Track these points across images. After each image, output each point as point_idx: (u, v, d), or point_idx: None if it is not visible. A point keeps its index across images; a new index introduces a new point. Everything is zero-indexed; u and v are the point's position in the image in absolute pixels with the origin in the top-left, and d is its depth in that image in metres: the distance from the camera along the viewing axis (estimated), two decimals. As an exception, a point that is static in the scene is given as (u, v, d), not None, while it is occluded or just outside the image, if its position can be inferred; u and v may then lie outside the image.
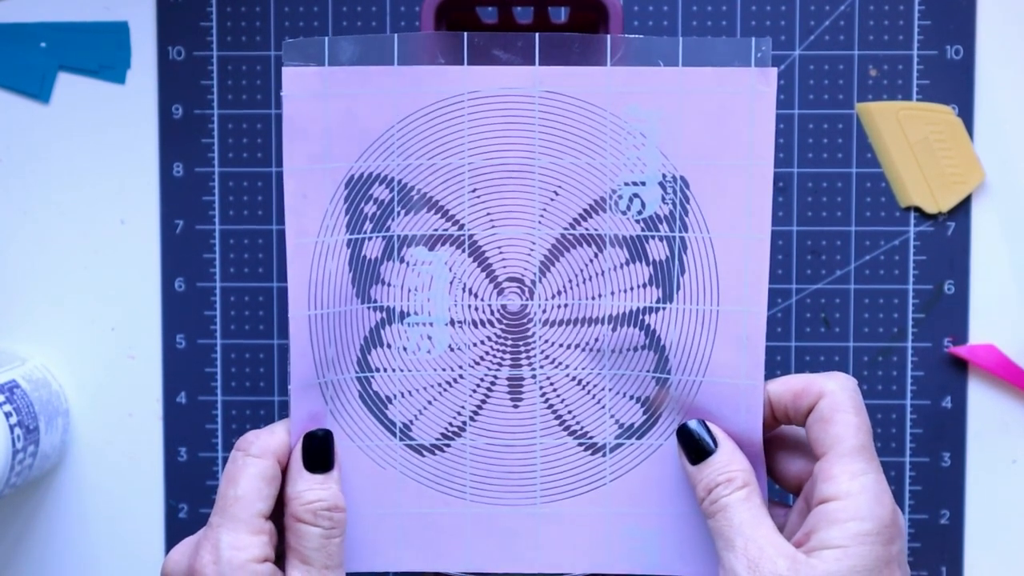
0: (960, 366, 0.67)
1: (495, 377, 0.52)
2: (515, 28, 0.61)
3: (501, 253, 0.52)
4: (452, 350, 0.52)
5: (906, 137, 0.66)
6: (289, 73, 0.50)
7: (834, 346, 0.67)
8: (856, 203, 0.67)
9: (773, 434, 0.53)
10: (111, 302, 0.68)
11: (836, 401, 0.49)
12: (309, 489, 0.50)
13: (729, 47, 0.50)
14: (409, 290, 0.52)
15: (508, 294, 0.52)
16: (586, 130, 0.51)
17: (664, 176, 0.51)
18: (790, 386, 0.50)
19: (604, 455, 0.53)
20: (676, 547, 0.52)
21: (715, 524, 0.49)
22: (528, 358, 0.52)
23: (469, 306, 0.52)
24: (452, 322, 0.52)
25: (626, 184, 0.51)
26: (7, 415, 0.61)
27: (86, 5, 0.67)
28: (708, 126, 0.50)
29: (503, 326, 0.52)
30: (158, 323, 0.68)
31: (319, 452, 0.51)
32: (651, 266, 0.52)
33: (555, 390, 0.53)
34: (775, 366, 0.67)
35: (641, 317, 0.52)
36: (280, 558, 0.50)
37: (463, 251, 0.52)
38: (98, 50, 0.67)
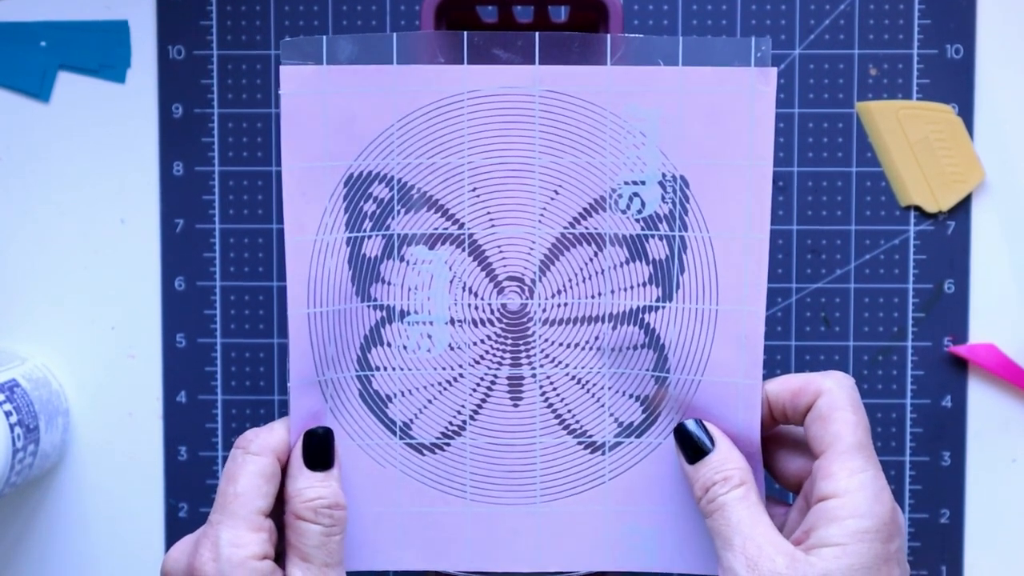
0: (960, 365, 0.67)
1: (495, 376, 0.53)
2: (515, 27, 0.61)
3: (501, 252, 0.52)
4: (452, 349, 0.52)
5: (906, 136, 0.66)
6: (287, 71, 0.50)
7: (834, 345, 0.67)
8: (856, 202, 0.67)
9: (772, 432, 0.53)
10: (111, 302, 0.68)
11: (834, 399, 0.49)
12: (309, 487, 0.50)
13: (729, 47, 0.50)
14: (409, 289, 0.52)
15: (508, 293, 0.52)
16: (586, 129, 0.51)
17: (664, 175, 0.51)
18: (788, 385, 0.51)
19: (603, 453, 0.53)
20: (675, 545, 0.53)
21: (713, 523, 0.49)
22: (528, 357, 0.53)
23: (469, 305, 0.52)
24: (452, 321, 0.52)
25: (626, 183, 0.51)
26: (7, 414, 0.61)
27: (86, 4, 0.67)
28: (708, 125, 0.51)
29: (503, 325, 0.52)
30: (158, 322, 0.68)
31: (319, 450, 0.51)
32: (651, 265, 0.52)
33: (555, 389, 0.53)
34: (775, 365, 0.67)
35: (641, 316, 0.52)
36: (280, 556, 0.50)
37: (463, 250, 0.52)
38: (98, 49, 0.67)
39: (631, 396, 0.53)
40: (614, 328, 0.52)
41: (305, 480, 0.50)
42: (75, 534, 0.68)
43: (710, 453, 0.51)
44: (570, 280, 0.52)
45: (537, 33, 0.51)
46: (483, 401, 0.53)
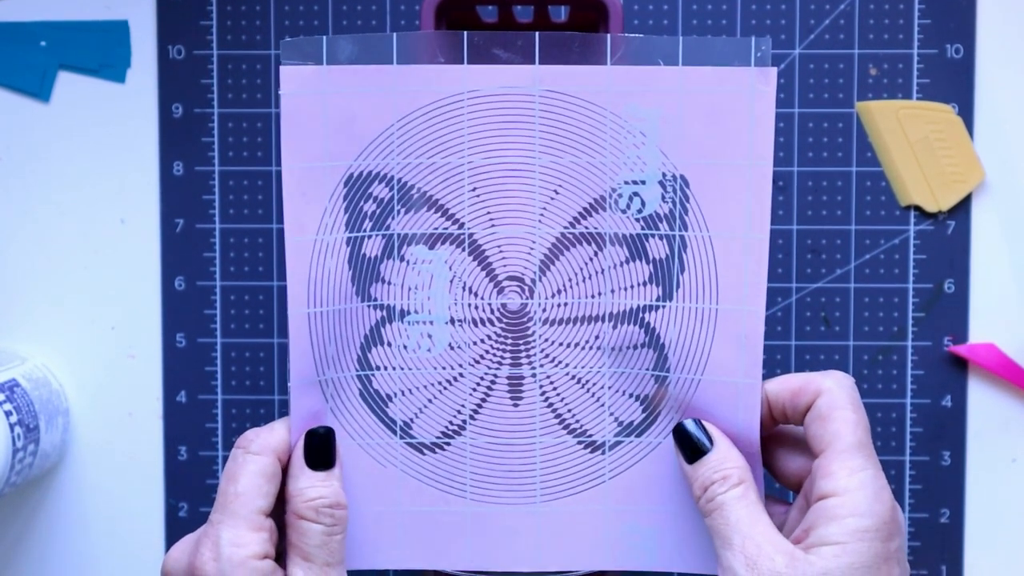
0: (960, 365, 0.67)
1: (495, 376, 0.53)
2: (515, 27, 0.61)
3: (501, 252, 0.52)
4: (452, 348, 0.52)
5: (906, 136, 0.66)
6: (287, 71, 0.50)
7: (834, 345, 0.67)
8: (856, 202, 0.67)
9: (773, 431, 0.53)
10: (111, 301, 0.68)
11: (834, 398, 0.49)
12: (311, 486, 0.50)
13: (729, 46, 0.50)
14: (409, 288, 0.52)
15: (508, 293, 0.52)
16: (586, 129, 0.51)
17: (664, 175, 0.51)
18: (788, 385, 0.51)
19: (603, 453, 0.53)
20: (675, 544, 0.53)
21: (712, 522, 0.50)
22: (528, 357, 0.53)
23: (469, 305, 0.52)
24: (452, 320, 0.52)
25: (626, 183, 0.51)
26: (7, 414, 0.61)
27: (86, 4, 0.67)
28: (708, 125, 0.51)
29: (503, 325, 0.53)
30: (158, 322, 0.68)
31: (321, 449, 0.51)
32: (651, 264, 0.52)
33: (555, 389, 0.53)
34: (775, 365, 0.67)
35: (641, 315, 0.52)
36: (280, 556, 0.50)
37: (463, 250, 0.52)
38: (98, 49, 0.67)
39: (631, 395, 0.53)
40: (614, 327, 0.52)
41: (306, 479, 0.50)
42: (75, 534, 0.69)
43: (709, 453, 0.51)
44: (570, 280, 0.52)
45: (537, 33, 0.51)
46: (483, 401, 0.53)
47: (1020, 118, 0.67)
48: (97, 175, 0.68)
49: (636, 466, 0.53)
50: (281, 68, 0.50)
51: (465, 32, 0.51)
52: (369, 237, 0.52)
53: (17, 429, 0.62)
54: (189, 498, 0.68)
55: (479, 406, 0.53)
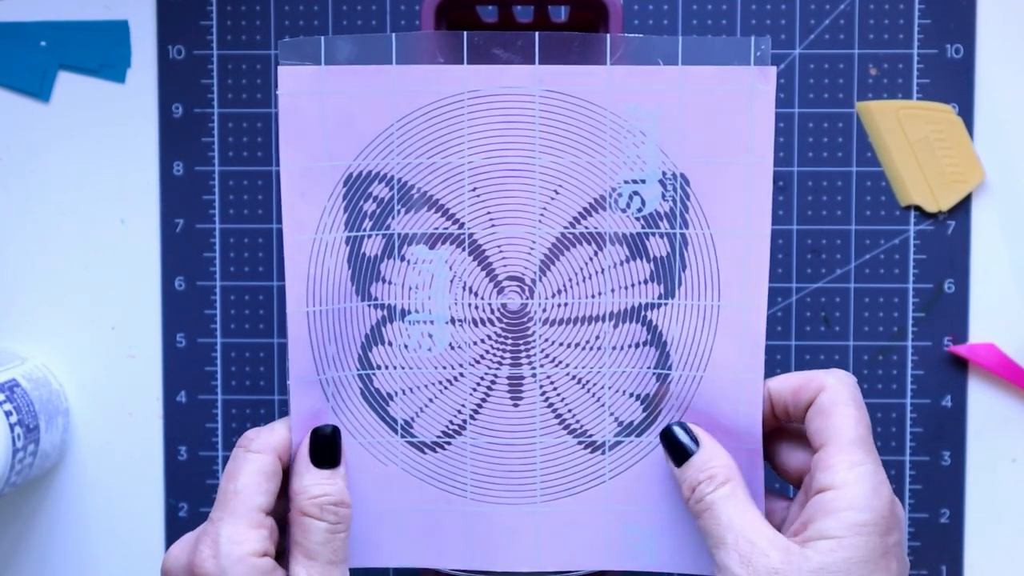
0: (960, 365, 0.67)
1: (495, 376, 0.53)
2: (515, 27, 0.61)
3: (501, 252, 0.52)
4: (452, 348, 0.53)
5: (906, 136, 0.66)
6: (285, 72, 0.50)
7: (834, 345, 0.67)
8: (856, 202, 0.67)
9: (775, 426, 0.53)
10: (111, 302, 0.68)
11: (835, 395, 0.49)
12: (315, 484, 0.50)
13: (729, 46, 0.51)
14: (410, 288, 0.52)
15: (508, 293, 0.53)
16: (586, 129, 0.51)
17: (664, 174, 0.51)
18: (790, 382, 0.51)
19: (603, 453, 0.53)
20: (675, 544, 0.53)
21: (703, 523, 0.50)
22: (528, 357, 0.53)
23: (469, 304, 0.53)
24: (452, 320, 0.52)
25: (626, 182, 0.52)
26: (7, 414, 0.62)
27: (86, 4, 0.68)
28: (708, 124, 0.51)
29: (503, 325, 0.53)
30: (158, 322, 0.68)
31: (326, 448, 0.51)
32: (652, 263, 0.52)
33: (555, 389, 0.53)
34: (775, 365, 0.67)
35: (643, 313, 0.52)
36: (281, 555, 0.50)
37: (463, 250, 0.52)
38: (98, 49, 0.68)
39: (631, 395, 0.53)
40: (615, 326, 0.52)
41: (311, 477, 0.50)
42: (75, 534, 0.69)
43: (695, 454, 0.51)
44: (570, 280, 0.52)
45: (537, 33, 0.51)
46: (483, 401, 0.53)
47: (1020, 118, 0.67)
48: (97, 175, 0.68)
49: (636, 466, 0.53)
50: (279, 68, 0.50)
51: (465, 32, 0.51)
52: (369, 236, 0.52)
53: (17, 429, 0.62)
54: (189, 498, 0.68)
55: (479, 406, 0.53)
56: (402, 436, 0.53)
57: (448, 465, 0.53)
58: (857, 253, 0.67)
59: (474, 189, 0.52)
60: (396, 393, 0.53)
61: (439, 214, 0.52)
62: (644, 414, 0.53)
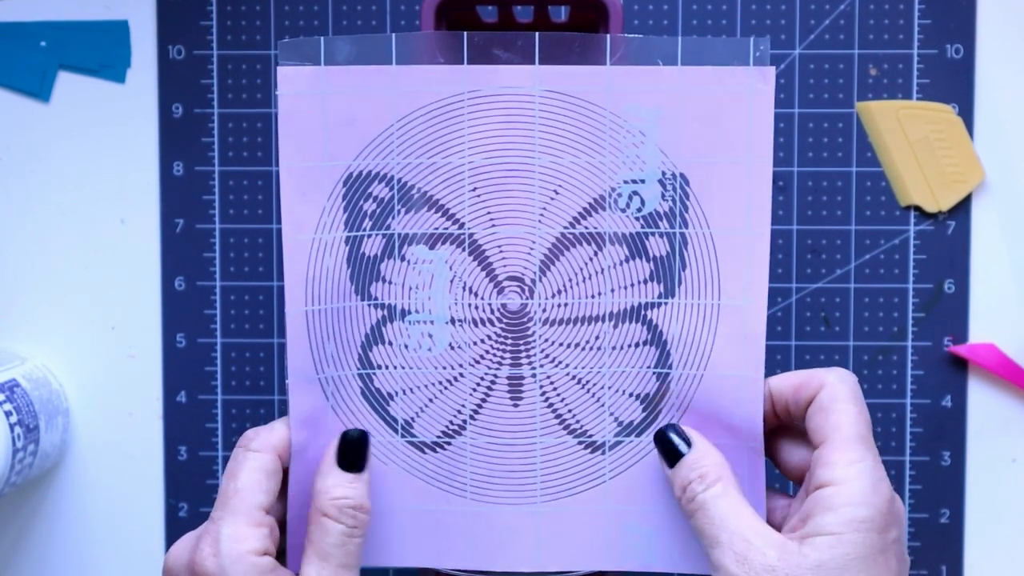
0: (960, 365, 0.67)
1: (495, 376, 0.53)
2: (515, 27, 0.61)
3: (501, 252, 0.52)
4: (452, 348, 0.53)
5: (906, 136, 0.67)
6: (284, 72, 0.50)
7: (834, 345, 0.67)
8: (856, 202, 0.67)
9: (777, 425, 0.53)
10: (111, 302, 0.68)
11: (835, 392, 0.49)
12: (338, 485, 0.50)
13: (728, 46, 0.51)
14: (410, 288, 0.52)
15: (508, 293, 0.53)
16: (586, 129, 0.51)
17: (664, 174, 0.52)
18: (790, 381, 0.51)
19: (603, 453, 0.53)
20: (675, 543, 0.53)
21: (697, 523, 0.50)
22: (528, 357, 0.53)
23: (469, 305, 0.53)
24: (453, 320, 0.53)
25: (625, 182, 0.52)
26: (7, 414, 0.62)
27: (86, 4, 0.68)
28: (707, 124, 0.51)
29: (503, 325, 0.53)
30: (158, 322, 0.68)
31: (353, 452, 0.51)
32: (651, 262, 0.52)
33: (555, 389, 0.53)
34: (775, 365, 0.67)
35: (643, 313, 0.52)
36: (280, 554, 0.50)
37: (463, 250, 0.52)
38: (98, 49, 0.68)
39: (631, 395, 0.53)
40: (615, 326, 0.52)
41: (334, 479, 0.50)
42: (75, 534, 0.69)
43: (686, 455, 0.51)
44: (570, 280, 0.53)
45: (537, 33, 0.51)
46: (483, 401, 0.53)
47: (1020, 118, 0.67)
48: (97, 175, 0.68)
49: (636, 466, 0.53)
50: (279, 69, 0.50)
51: (465, 32, 0.51)
52: (369, 236, 0.52)
53: (17, 429, 0.62)
54: (189, 498, 0.68)
55: (479, 406, 0.53)
56: (402, 436, 0.53)
57: (448, 465, 0.53)
58: (857, 253, 0.67)
59: (474, 189, 0.52)
60: (396, 393, 0.53)
61: (439, 214, 0.52)
62: (644, 414, 0.53)
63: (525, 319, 0.53)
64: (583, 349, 0.53)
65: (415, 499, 0.53)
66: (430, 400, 0.53)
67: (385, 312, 0.52)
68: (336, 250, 0.52)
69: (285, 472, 0.51)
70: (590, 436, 0.53)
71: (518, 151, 0.52)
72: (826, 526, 0.47)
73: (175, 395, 0.68)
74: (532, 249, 0.52)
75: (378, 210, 0.52)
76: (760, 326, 0.51)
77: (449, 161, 0.52)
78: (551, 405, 0.53)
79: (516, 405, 0.53)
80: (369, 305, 0.52)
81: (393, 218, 0.52)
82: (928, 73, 0.67)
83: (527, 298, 0.53)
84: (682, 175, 0.51)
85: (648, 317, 0.52)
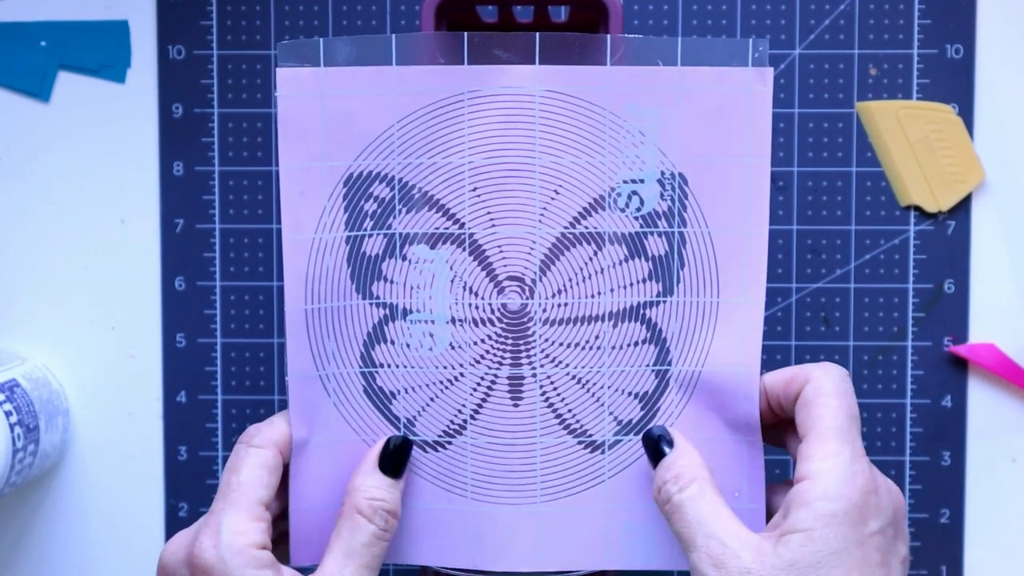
0: (960, 365, 0.68)
1: (495, 376, 0.53)
2: (515, 27, 0.62)
3: (501, 252, 0.53)
4: (453, 348, 0.53)
5: (906, 136, 0.67)
6: (283, 74, 0.51)
7: (834, 345, 0.68)
8: (856, 202, 0.67)
9: (774, 421, 0.53)
10: (111, 302, 0.69)
11: (819, 386, 0.49)
12: (376, 487, 0.51)
13: (727, 47, 0.51)
14: (411, 287, 0.53)
15: (508, 293, 0.53)
16: (586, 129, 0.52)
17: (663, 173, 0.52)
18: (782, 376, 0.51)
19: (603, 452, 0.53)
20: (675, 540, 0.53)
21: (673, 526, 0.49)
22: (528, 357, 0.53)
23: (470, 304, 0.53)
24: (453, 320, 0.53)
25: (625, 182, 0.52)
26: (7, 414, 0.62)
27: (86, 4, 0.68)
28: (706, 124, 0.51)
29: (503, 325, 0.53)
30: (158, 322, 0.69)
31: (396, 457, 0.52)
32: (650, 261, 0.52)
33: (555, 389, 0.53)
34: (775, 365, 0.67)
35: (642, 311, 0.53)
36: (274, 548, 0.50)
37: (464, 250, 0.53)
38: (98, 49, 0.68)
39: (630, 394, 0.53)
40: (615, 325, 0.53)
41: (374, 479, 0.51)
42: (75, 534, 0.69)
43: (666, 455, 0.51)
44: (570, 280, 0.53)
45: (537, 33, 0.51)
46: (484, 401, 0.53)
47: (1020, 118, 0.67)
48: (97, 175, 0.68)
49: (634, 464, 0.53)
50: (277, 71, 0.51)
51: (465, 33, 0.51)
52: (370, 236, 0.52)
53: (17, 429, 0.62)
54: (189, 498, 0.69)
55: (480, 406, 0.53)
56: (405, 434, 0.53)
57: (449, 464, 0.53)
58: (857, 253, 0.67)
59: (474, 189, 0.52)
60: (398, 392, 0.53)
61: (440, 214, 0.52)
62: (642, 412, 0.53)
63: (525, 319, 0.53)
64: (583, 349, 0.53)
65: (417, 497, 0.53)
66: (431, 399, 0.53)
67: (387, 311, 0.53)
68: (337, 250, 0.52)
69: (285, 468, 0.52)
70: (590, 436, 0.53)
71: (518, 151, 0.52)
72: (800, 522, 0.47)
73: (175, 395, 0.69)
74: (532, 249, 0.53)
75: (379, 210, 0.52)
76: (758, 322, 0.52)
77: (449, 161, 0.52)
78: (551, 405, 0.53)
79: (516, 405, 0.53)
80: (371, 304, 0.53)
81: (394, 218, 0.52)
82: (928, 73, 0.67)
83: (527, 298, 0.53)
84: (681, 175, 0.52)
85: (647, 316, 0.53)
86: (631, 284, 0.53)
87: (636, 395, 0.53)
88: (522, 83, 0.51)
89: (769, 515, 0.52)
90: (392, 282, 0.53)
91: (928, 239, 0.67)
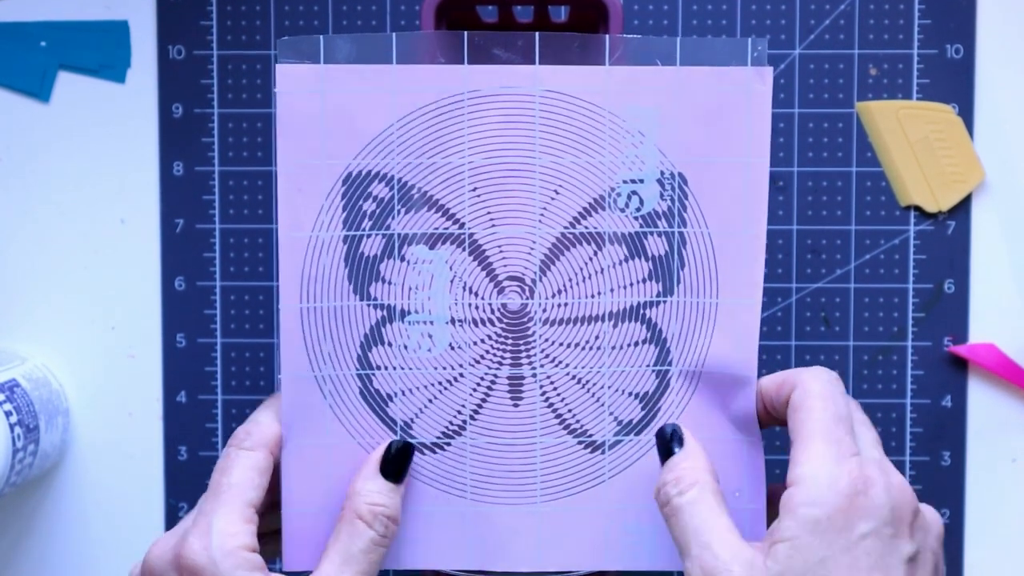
0: (960, 365, 0.68)
1: (495, 376, 0.53)
2: (515, 27, 0.62)
3: (501, 252, 0.53)
4: (453, 349, 0.53)
5: (906, 136, 0.67)
6: (283, 70, 0.51)
7: (834, 345, 0.68)
8: (856, 202, 0.67)
9: (770, 424, 0.53)
10: (111, 302, 0.69)
11: (807, 389, 0.49)
12: (377, 492, 0.50)
13: (726, 47, 0.51)
14: (410, 288, 0.53)
15: (508, 293, 0.53)
16: (586, 129, 0.52)
17: (662, 173, 0.52)
18: (774, 380, 0.51)
19: (603, 453, 0.53)
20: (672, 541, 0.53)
21: (671, 529, 0.49)
22: (528, 357, 0.53)
23: (469, 305, 0.53)
24: (453, 321, 0.53)
25: (625, 182, 0.52)
26: (7, 414, 0.62)
27: (86, 4, 0.68)
28: (706, 124, 0.51)
29: (503, 325, 0.53)
30: (158, 322, 0.69)
31: (398, 462, 0.52)
32: (650, 261, 0.52)
33: (555, 389, 0.53)
34: (776, 365, 0.68)
35: (643, 311, 0.53)
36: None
37: (463, 250, 0.53)
38: (98, 49, 0.68)
39: (630, 394, 0.53)
40: (615, 325, 0.53)
41: (374, 484, 0.51)
42: (75, 534, 0.69)
43: (673, 456, 0.51)
44: (570, 280, 0.53)
45: (537, 33, 0.51)
46: (483, 401, 0.53)
47: (1020, 118, 0.67)
48: (97, 175, 0.68)
49: (635, 465, 0.53)
50: (277, 66, 0.51)
51: (465, 32, 0.51)
52: (368, 236, 0.52)
53: (17, 429, 0.62)
54: (189, 498, 0.69)
55: (479, 406, 0.53)
56: (402, 437, 0.53)
57: (448, 466, 0.53)
58: (857, 253, 0.67)
59: (474, 189, 0.52)
60: (396, 394, 0.53)
61: (439, 214, 0.52)
62: (643, 412, 0.53)
63: (525, 319, 0.53)
64: (583, 349, 0.53)
65: (414, 500, 0.53)
66: (430, 401, 0.53)
67: (384, 312, 0.53)
68: (333, 249, 0.52)
69: (276, 468, 0.52)
70: (590, 436, 0.53)
71: (518, 151, 0.52)
72: (786, 530, 0.46)
73: (175, 395, 0.69)
74: (532, 249, 0.53)
75: (378, 210, 0.52)
76: (755, 323, 0.52)
77: (449, 161, 0.52)
78: (551, 405, 0.53)
79: (516, 405, 0.53)
80: (368, 305, 0.53)
81: (393, 218, 0.52)
82: (928, 73, 0.67)
83: (527, 298, 0.53)
84: (680, 175, 0.52)
85: (647, 316, 0.53)
86: (631, 284, 0.53)
87: (637, 395, 0.53)
88: (522, 83, 0.51)
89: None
90: (390, 283, 0.53)
91: (928, 239, 0.67)
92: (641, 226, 0.52)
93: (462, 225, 0.52)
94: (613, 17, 0.56)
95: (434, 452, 0.53)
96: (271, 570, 0.49)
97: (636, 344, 0.53)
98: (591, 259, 0.53)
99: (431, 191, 0.52)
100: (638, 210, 0.52)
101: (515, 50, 0.51)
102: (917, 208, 0.67)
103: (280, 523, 0.52)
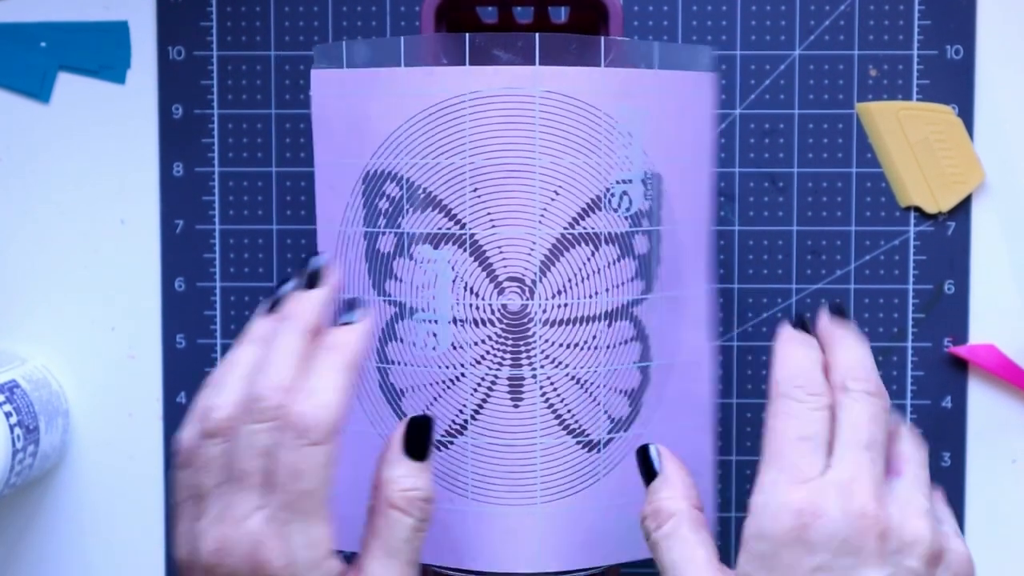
0: (960, 366, 0.68)
1: (496, 376, 0.53)
2: (515, 28, 0.62)
3: (501, 253, 0.53)
4: (455, 348, 0.53)
5: (906, 137, 0.67)
6: (316, 75, 0.53)
7: (834, 346, 0.68)
8: (856, 203, 0.68)
9: None
10: (111, 302, 0.69)
11: (769, 410, 0.48)
12: (407, 476, 0.48)
13: (688, 52, 0.54)
14: (417, 287, 0.53)
15: (508, 294, 0.53)
16: (584, 130, 0.52)
17: (646, 173, 0.53)
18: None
19: (598, 451, 0.54)
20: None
21: (656, 562, 0.49)
22: (528, 358, 0.53)
23: (470, 305, 0.53)
24: (455, 320, 0.53)
25: (617, 182, 0.53)
26: (7, 415, 0.62)
27: (86, 5, 0.68)
28: (673, 126, 0.53)
29: (504, 325, 0.53)
30: (158, 323, 0.69)
31: (420, 438, 0.50)
32: (636, 260, 0.53)
33: (555, 390, 0.54)
34: (775, 366, 0.68)
35: (630, 310, 0.53)
36: None
37: (465, 250, 0.53)
38: (98, 50, 0.68)
39: (621, 391, 0.54)
40: (610, 325, 0.53)
41: (403, 468, 0.49)
42: (75, 534, 0.69)
43: (654, 480, 0.51)
44: (570, 280, 0.53)
45: (537, 34, 0.52)
46: (484, 401, 0.54)
47: (1020, 118, 0.67)
48: (97, 175, 0.69)
49: (625, 460, 0.54)
50: (312, 72, 0.53)
51: (467, 34, 0.52)
52: (383, 234, 0.53)
53: (17, 430, 0.63)
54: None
55: (480, 406, 0.54)
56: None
57: (450, 464, 0.54)
58: (857, 254, 0.68)
59: (475, 190, 0.53)
60: (407, 389, 0.54)
61: (442, 214, 0.53)
62: (630, 408, 0.54)
63: (525, 320, 0.53)
64: (581, 349, 0.53)
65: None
66: (434, 399, 0.53)
67: (397, 309, 0.53)
68: (356, 244, 0.54)
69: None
70: (587, 435, 0.54)
71: (518, 152, 0.52)
72: (742, 564, 0.46)
73: (175, 395, 0.69)
74: (532, 250, 0.53)
75: (391, 208, 0.53)
76: (705, 311, 0.55)
77: (452, 162, 0.52)
78: (551, 406, 0.54)
79: (516, 406, 0.54)
80: (384, 301, 0.53)
81: (403, 217, 0.53)
82: (928, 74, 0.67)
83: (527, 299, 0.53)
84: (657, 175, 0.53)
85: (634, 313, 0.53)
86: (622, 283, 0.53)
87: (625, 392, 0.54)
88: (522, 84, 0.52)
89: None
90: (401, 280, 0.53)
91: (928, 240, 0.68)
92: (630, 226, 0.53)
93: (463, 225, 0.53)
94: (613, 18, 0.56)
95: (438, 450, 0.54)
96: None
97: (626, 342, 0.54)
98: (589, 259, 0.53)
99: (435, 191, 0.53)
100: (627, 210, 0.53)
101: (515, 51, 0.52)
102: (917, 209, 0.68)
103: None
